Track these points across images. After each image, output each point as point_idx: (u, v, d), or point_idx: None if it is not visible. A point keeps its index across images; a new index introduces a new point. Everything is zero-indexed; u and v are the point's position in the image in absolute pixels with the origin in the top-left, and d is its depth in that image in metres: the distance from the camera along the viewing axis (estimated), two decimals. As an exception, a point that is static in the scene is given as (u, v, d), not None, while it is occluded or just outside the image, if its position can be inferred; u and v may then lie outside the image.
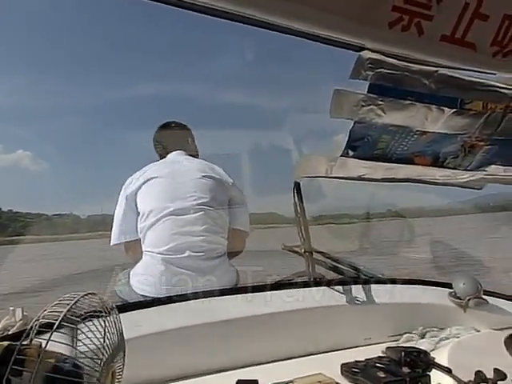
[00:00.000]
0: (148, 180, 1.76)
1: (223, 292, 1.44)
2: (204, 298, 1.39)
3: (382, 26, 0.91)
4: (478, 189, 1.46)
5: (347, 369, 1.17)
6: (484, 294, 1.53)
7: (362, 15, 0.88)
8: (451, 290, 1.55)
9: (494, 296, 1.73)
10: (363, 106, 1.16)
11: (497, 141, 1.33)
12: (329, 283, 1.58)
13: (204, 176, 1.77)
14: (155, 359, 1.17)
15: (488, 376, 1.13)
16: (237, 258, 1.89)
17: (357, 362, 1.21)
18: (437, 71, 1.15)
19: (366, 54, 1.07)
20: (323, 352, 1.38)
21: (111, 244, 1.80)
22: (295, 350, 1.37)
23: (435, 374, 1.17)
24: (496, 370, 1.14)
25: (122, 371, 0.81)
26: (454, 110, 1.23)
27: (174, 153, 1.89)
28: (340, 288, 1.58)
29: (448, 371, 1.16)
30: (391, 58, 1.09)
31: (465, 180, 1.41)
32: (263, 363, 1.29)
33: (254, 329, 1.33)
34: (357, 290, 1.60)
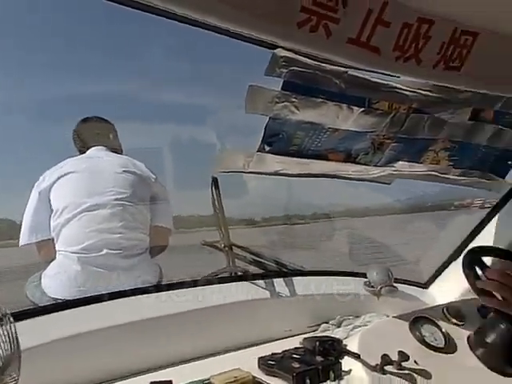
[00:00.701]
0: (63, 175, 1.67)
1: (142, 290, 1.41)
2: (120, 297, 1.34)
3: (291, 26, 0.93)
4: (388, 183, 1.56)
5: (264, 362, 1.20)
6: (395, 282, 1.65)
7: (271, 14, 0.89)
8: (366, 280, 1.65)
9: (404, 283, 1.87)
10: (277, 102, 1.19)
11: (402, 139, 1.43)
12: (249, 277, 1.61)
13: (124, 171, 1.72)
14: (63, 366, 1.12)
15: (394, 358, 1.22)
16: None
17: (273, 354, 1.24)
18: (346, 72, 1.21)
19: (280, 52, 1.10)
20: (243, 347, 1.39)
21: (20, 244, 1.68)
22: (214, 348, 1.37)
23: (347, 361, 1.24)
24: (400, 353, 1.23)
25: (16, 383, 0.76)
26: (363, 108, 1.30)
27: (94, 148, 1.81)
28: (261, 282, 1.62)
29: (357, 357, 1.23)
30: (304, 57, 1.13)
31: (376, 175, 1.51)
32: (179, 363, 1.27)
33: (169, 327, 1.31)
34: (278, 283, 1.65)
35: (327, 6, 0.94)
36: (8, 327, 0.73)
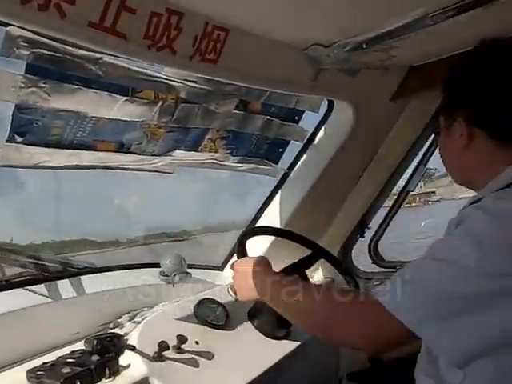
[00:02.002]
0: None
1: None
2: None
3: (14, 1, 0.85)
4: (170, 173, 1.58)
5: (33, 374, 1.10)
6: (191, 268, 1.69)
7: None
8: (160, 269, 1.65)
9: (199, 268, 1.94)
10: (22, 87, 1.08)
11: (175, 128, 1.47)
12: (25, 282, 1.45)
13: None
14: None
15: (172, 344, 1.25)
16: None
17: (44, 363, 1.15)
18: (101, 58, 1.17)
19: (15, 32, 1.00)
20: (17, 361, 1.22)
21: None
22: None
23: (128, 355, 1.22)
24: (178, 336, 1.27)
25: None
26: (126, 97, 1.29)
27: None
28: (42, 286, 1.48)
29: (132, 348, 1.22)
30: (48, 39, 1.05)
31: (155, 165, 1.52)
32: None
33: None
34: (64, 285, 1.53)
35: (54, -15, 0.88)
36: None
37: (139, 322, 1.50)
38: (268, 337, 1.48)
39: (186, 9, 1.14)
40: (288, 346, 1.46)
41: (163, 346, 1.22)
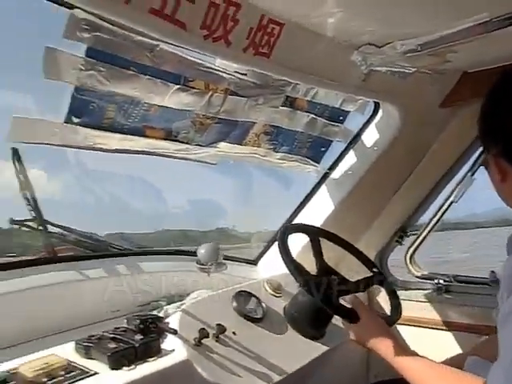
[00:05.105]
0: None
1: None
2: None
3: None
4: (214, 164, 1.60)
5: (80, 345, 1.13)
6: (226, 260, 1.70)
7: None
8: (197, 258, 1.68)
9: (233, 260, 1.96)
10: (82, 69, 1.12)
11: (222, 120, 1.48)
12: (71, 258, 1.51)
13: None
14: None
15: (212, 332, 1.26)
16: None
17: (90, 336, 1.18)
18: (158, 45, 1.19)
19: (79, 14, 1.03)
20: (65, 331, 1.32)
21: None
22: (30, 334, 1.27)
23: (169, 338, 1.23)
24: (218, 325, 1.28)
25: None
26: (178, 86, 1.31)
27: None
28: (86, 263, 1.53)
29: (174, 332, 1.23)
30: (108, 23, 1.08)
31: (200, 155, 1.54)
32: None
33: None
34: (105, 264, 1.58)
35: (123, -30, 0.91)
36: None
37: (178, 307, 1.53)
38: (302, 335, 1.47)
39: (244, 0, 1.15)
40: (320, 347, 1.45)
41: (203, 333, 1.24)
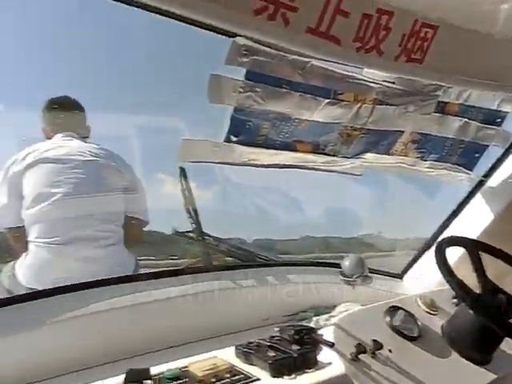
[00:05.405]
0: (35, 162, 1.63)
1: (114, 281, 1.41)
2: (95, 287, 1.35)
3: (248, 13, 0.94)
4: (359, 175, 1.58)
5: (240, 350, 1.19)
6: (370, 273, 1.66)
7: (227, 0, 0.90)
8: (341, 270, 1.66)
9: (377, 273, 1.89)
10: (241, 92, 1.20)
11: (370, 130, 1.45)
12: (224, 268, 1.62)
13: (94, 160, 1.68)
14: (39, 351, 1.12)
15: (368, 348, 1.23)
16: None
17: (249, 343, 1.23)
18: (309, 62, 1.22)
19: (240, 41, 1.11)
20: (219, 335, 1.41)
21: None
22: (190, 336, 1.38)
23: (322, 350, 1.24)
24: (373, 341, 1.25)
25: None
26: (328, 100, 1.32)
27: (62, 134, 1.74)
28: (237, 272, 1.63)
29: (331, 345, 1.23)
30: (265, 46, 1.14)
31: (346, 166, 1.53)
32: (156, 350, 1.28)
33: (146, 315, 1.32)
34: (253, 273, 1.66)
35: (284, -5, 0.95)
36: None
37: (327, 319, 1.53)
38: (464, 358, 1.34)
39: (397, 7, 1.12)
40: (487, 375, 1.30)
41: (360, 348, 1.21)
